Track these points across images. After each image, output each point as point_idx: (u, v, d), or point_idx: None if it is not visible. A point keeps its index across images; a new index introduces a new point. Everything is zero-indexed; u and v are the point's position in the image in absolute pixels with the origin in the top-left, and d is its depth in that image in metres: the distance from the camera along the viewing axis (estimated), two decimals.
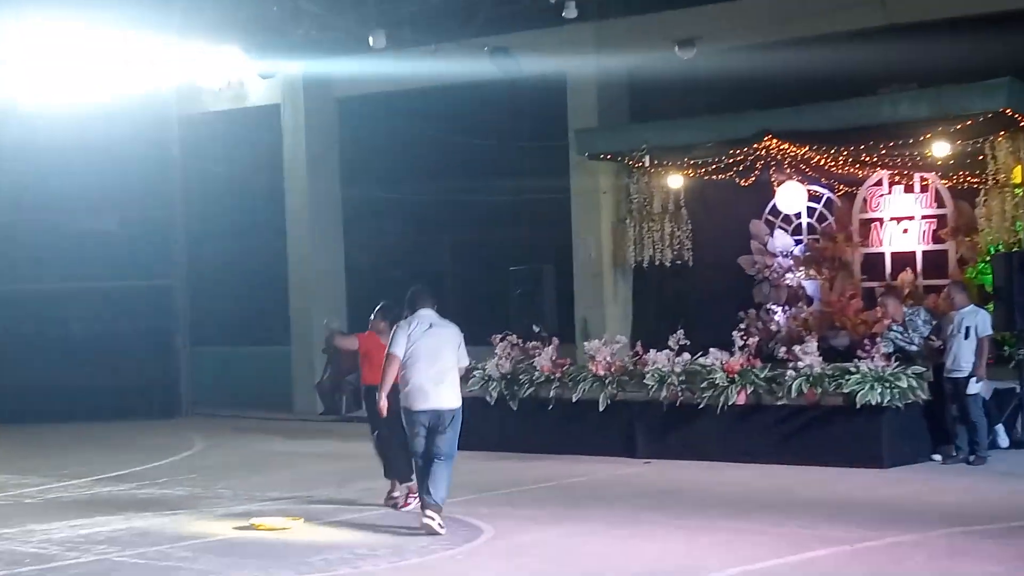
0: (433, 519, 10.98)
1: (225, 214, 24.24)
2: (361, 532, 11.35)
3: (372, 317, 12.80)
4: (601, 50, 20.17)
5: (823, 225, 19.77)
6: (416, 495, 11.83)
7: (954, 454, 14.41)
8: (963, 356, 14.25)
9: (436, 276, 22.84)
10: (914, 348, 14.89)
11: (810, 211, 19.86)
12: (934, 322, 15.06)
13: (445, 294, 22.36)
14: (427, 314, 11.58)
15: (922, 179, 18.81)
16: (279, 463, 16.30)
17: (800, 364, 14.64)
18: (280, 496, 13.33)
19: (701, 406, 15.08)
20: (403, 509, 12.19)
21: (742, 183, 19.00)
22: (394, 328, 11.68)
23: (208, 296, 24.43)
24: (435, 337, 11.45)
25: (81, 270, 22.71)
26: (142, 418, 21.95)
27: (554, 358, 16.40)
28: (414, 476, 11.75)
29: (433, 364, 11.36)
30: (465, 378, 15.74)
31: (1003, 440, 15.15)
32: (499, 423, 16.33)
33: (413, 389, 11.31)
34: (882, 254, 19.27)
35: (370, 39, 19.36)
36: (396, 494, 12.43)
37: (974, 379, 14.19)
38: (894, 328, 15.13)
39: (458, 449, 11.52)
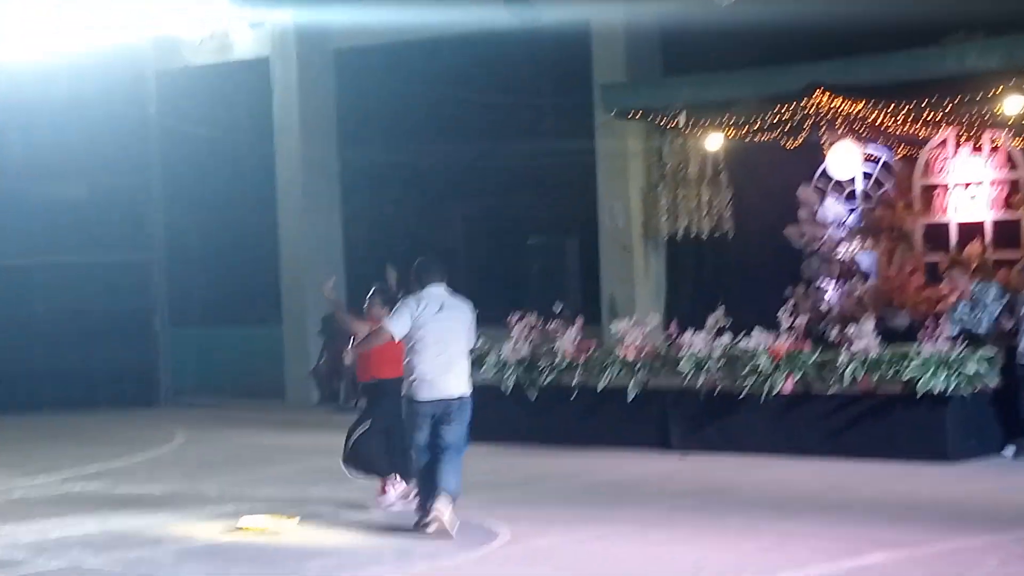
0: (443, 513, 10.95)
1: (208, 181, 24.24)
2: (363, 535, 11.39)
3: (367, 304, 12.61)
4: None
5: (880, 192, 19.73)
6: (394, 490, 12.26)
7: None
8: None
9: (446, 250, 22.87)
10: (983, 329, 14.86)
11: (865, 176, 19.81)
12: (1006, 300, 15.02)
13: (456, 270, 22.37)
14: (437, 292, 11.54)
15: (992, 139, 18.76)
16: (270, 458, 16.34)
17: (854, 347, 14.64)
18: (271, 495, 13.36)
19: (743, 395, 15.11)
20: (379, 500, 12.37)
21: (789, 145, 18.97)
22: (398, 304, 11.66)
23: (189, 272, 24.49)
24: (446, 320, 11.43)
25: (47, 243, 22.75)
26: (117, 407, 22.00)
27: (577, 341, 16.42)
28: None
29: (443, 351, 11.37)
30: (477, 362, 15.90)
31: None
32: (516, 413, 16.37)
33: (419, 379, 11.34)
34: (946, 224, 19.22)
35: None
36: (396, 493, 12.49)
37: None
38: (961, 306, 15.10)
39: (470, 442, 11.56)
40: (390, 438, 12.27)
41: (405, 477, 12.30)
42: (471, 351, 12.02)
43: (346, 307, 12.92)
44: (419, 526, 11.22)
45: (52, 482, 14.83)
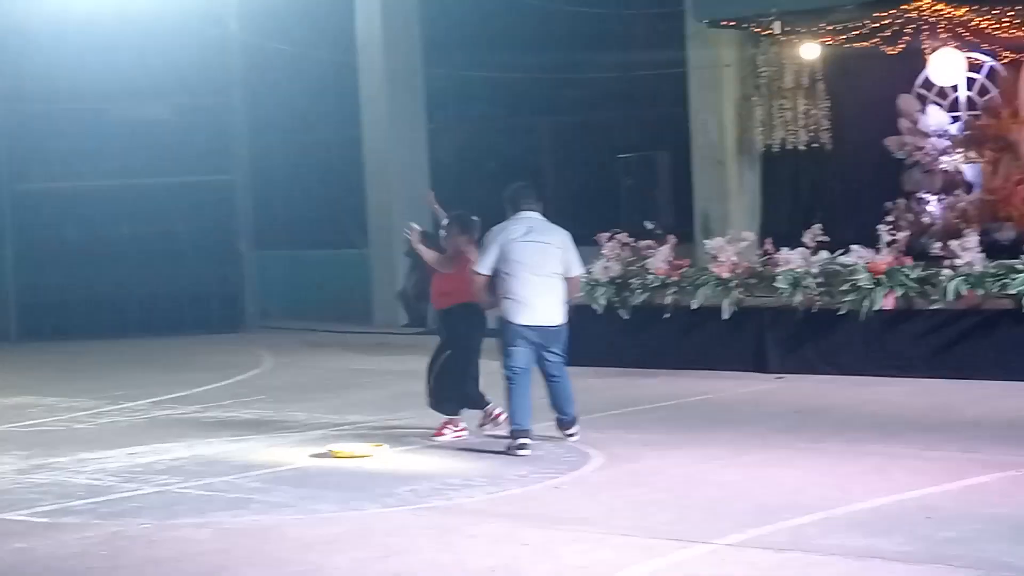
0: (575, 434, 11.86)
1: (291, 99, 24.34)
2: (452, 459, 11.46)
3: (444, 234, 12.39)
4: None
5: (985, 99, 19.51)
6: (452, 427, 12.14)
7: None
8: None
9: (534, 168, 22.86)
10: None
11: (969, 83, 19.60)
12: None
13: (544, 187, 22.40)
14: (528, 216, 11.68)
15: None
16: (358, 382, 16.46)
17: (958, 262, 14.54)
18: (360, 420, 13.47)
19: (842, 312, 15.05)
20: (436, 439, 12.16)
21: (889, 51, 18.78)
22: (486, 235, 11.75)
23: (274, 193, 24.64)
24: (537, 243, 11.56)
25: (127, 165, 22.92)
26: (202, 332, 22.21)
27: (671, 259, 16.40)
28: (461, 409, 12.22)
29: (537, 273, 11.50)
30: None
31: None
32: (608, 334, 16.39)
33: (516, 301, 11.48)
34: None
35: None
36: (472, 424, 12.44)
37: None
38: None
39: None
40: (468, 369, 12.26)
41: (479, 407, 12.35)
42: (582, 276, 12.16)
43: (437, 225, 12.82)
44: (511, 449, 11.41)
45: (139, 407, 15.00)
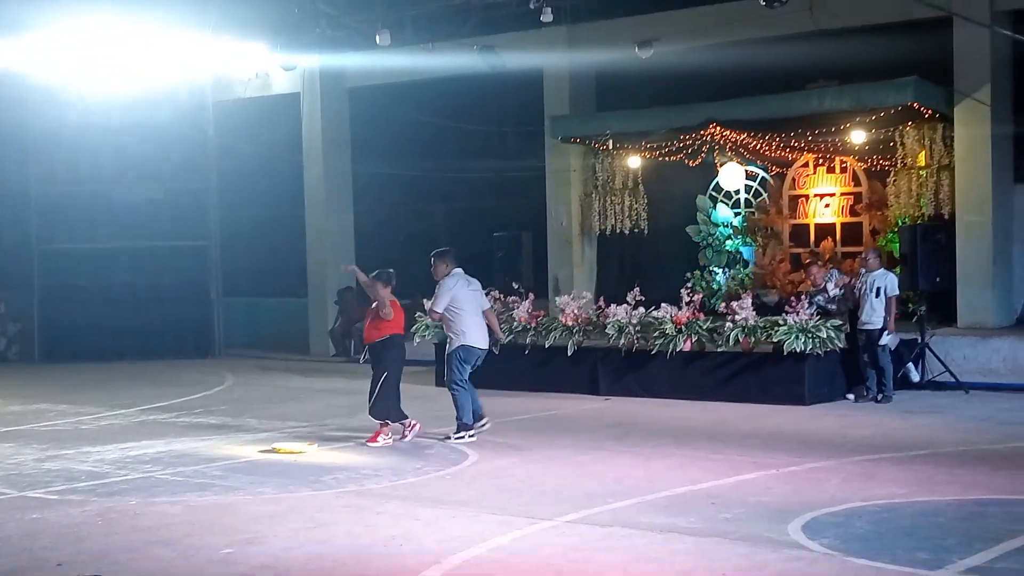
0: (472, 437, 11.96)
1: (253, 186, 24.10)
2: (365, 456, 11.37)
3: (378, 281, 12.10)
4: (573, 49, 20.07)
5: (758, 200, 19.80)
6: (385, 435, 11.94)
7: (865, 394, 14.47)
8: (875, 311, 14.28)
9: (432, 240, 22.81)
10: (832, 307, 14.89)
11: (747, 188, 19.89)
12: (843, 283, 15.02)
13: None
14: (459, 272, 12.20)
15: (842, 161, 18.83)
16: (297, 397, 16.30)
17: (737, 317, 14.67)
18: (298, 425, 13.34)
19: (654, 352, 15.10)
20: (370, 444, 11.81)
21: (690, 163, 19.03)
22: (439, 285, 12.04)
23: (238, 254, 24.33)
24: (473, 292, 12.14)
25: (130, 232, 22.58)
26: (181, 357, 21.90)
27: (530, 310, 16.40)
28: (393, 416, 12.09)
29: (476, 314, 12.07)
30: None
31: (915, 376, 15.19)
32: (484, 365, 16.26)
33: (473, 332, 11.99)
34: (807, 225, 19.31)
35: (377, 37, 19.28)
36: (397, 431, 12.18)
37: (886, 332, 14.22)
38: (818, 295, 14.98)
39: (448, 388, 12.20)
40: (396, 388, 12.07)
41: (397, 419, 12.11)
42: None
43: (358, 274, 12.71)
44: (473, 433, 11.98)
45: (131, 413, 14.76)
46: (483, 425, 12.18)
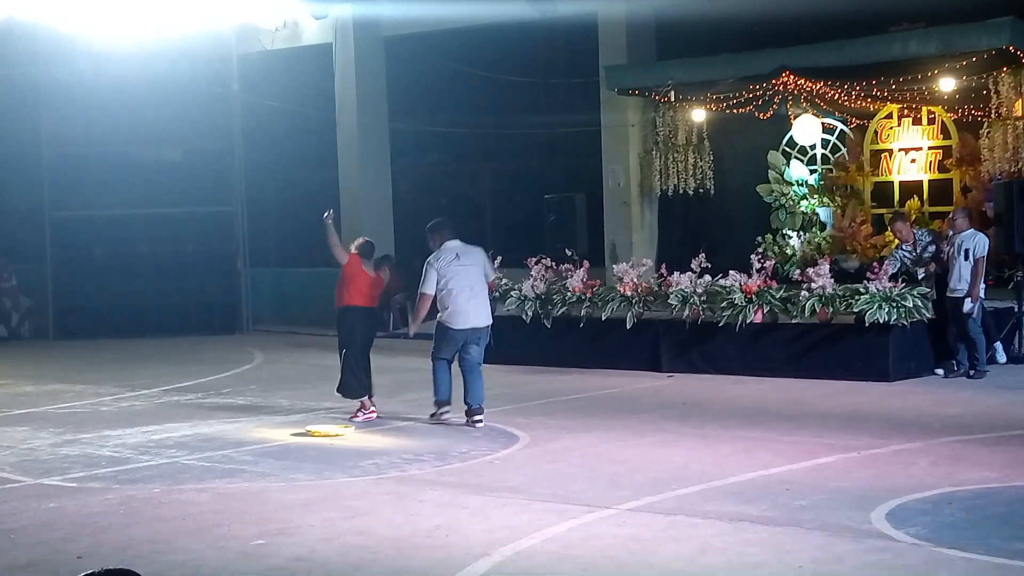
0: (481, 421, 11.82)
1: (281, 146, 24.24)
2: (407, 439, 11.45)
3: (375, 264, 12.67)
4: None
5: (836, 156, 19.66)
6: (367, 410, 12.34)
7: (955, 369, 14.38)
8: (963, 276, 14.17)
9: (475, 204, 22.88)
10: (920, 269, 14.81)
11: (824, 142, 19.74)
12: (934, 244, 14.96)
13: (484, 221, 22.45)
14: (452, 245, 12.10)
15: (929, 112, 18.64)
16: (331, 376, 16.29)
17: (813, 285, 14.61)
18: (333, 406, 13.40)
19: (721, 324, 15.08)
20: (354, 420, 12.23)
21: (761, 116, 18.90)
22: (425, 264, 12.06)
23: (265, 221, 24.50)
24: (464, 265, 11.98)
25: (148, 197, 22.75)
26: (205, 334, 22.08)
27: (585, 279, 16.41)
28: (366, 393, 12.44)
29: (466, 289, 11.92)
30: (502, 297, 16.01)
31: (1001, 356, 15.12)
32: (534, 340, 16.38)
33: (455, 311, 11.89)
34: (891, 183, 19.16)
35: None
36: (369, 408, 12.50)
37: (968, 299, 14.11)
38: (904, 247, 15.06)
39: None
40: (365, 361, 12.42)
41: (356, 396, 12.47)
42: (497, 281, 12.34)
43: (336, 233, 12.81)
44: (433, 416, 12.13)
45: (153, 394, 14.91)
46: (443, 412, 12.23)
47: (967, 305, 14.09)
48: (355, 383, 12.39)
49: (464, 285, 11.92)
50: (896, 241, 15.74)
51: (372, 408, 12.47)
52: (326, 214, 12.41)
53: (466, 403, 11.98)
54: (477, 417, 11.91)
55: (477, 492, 9.01)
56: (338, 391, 12.56)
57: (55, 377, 16.76)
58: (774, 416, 12.10)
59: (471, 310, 11.93)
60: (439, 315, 12.10)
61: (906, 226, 15.25)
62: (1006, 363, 15.06)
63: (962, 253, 14.16)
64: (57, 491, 9.45)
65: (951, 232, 14.51)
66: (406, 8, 20.81)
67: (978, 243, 14.20)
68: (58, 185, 22.89)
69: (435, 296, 11.99)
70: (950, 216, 15.29)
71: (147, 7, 19.64)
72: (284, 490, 9.27)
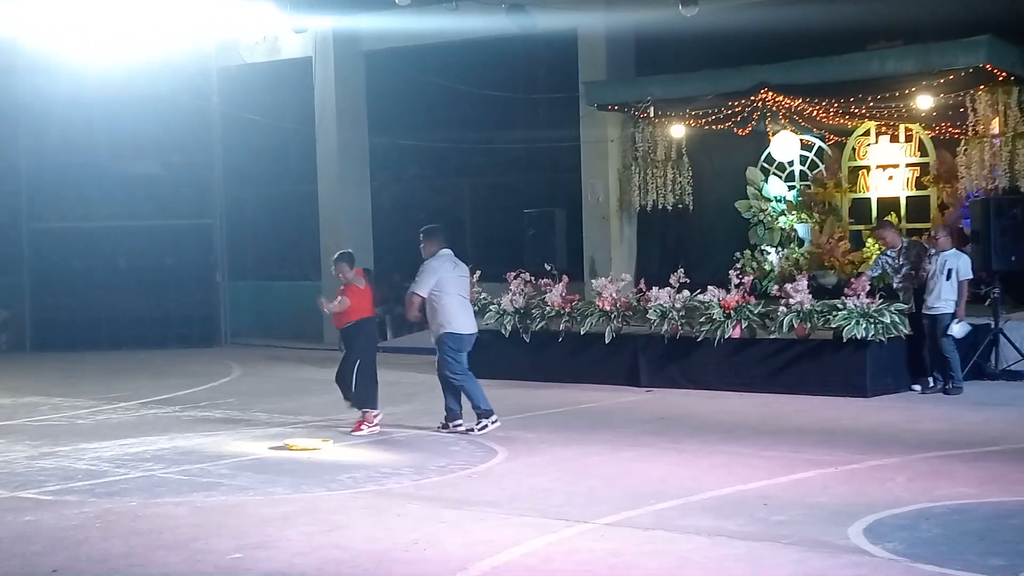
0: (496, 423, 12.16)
1: (261, 159, 24.21)
2: (385, 452, 11.41)
3: (333, 269, 12.75)
4: (610, 7, 20.01)
5: (814, 172, 19.70)
6: (370, 423, 12.26)
7: (932, 385, 14.41)
8: (943, 295, 14.20)
9: (455, 218, 22.86)
10: (897, 279, 14.83)
11: (802, 159, 19.78)
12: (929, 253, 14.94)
13: (464, 235, 22.43)
14: (447, 253, 12.27)
15: (907, 129, 18.70)
16: (310, 389, 16.36)
17: (791, 301, 14.62)
18: (311, 419, 13.39)
19: (699, 339, 15.08)
20: (356, 434, 12.19)
21: (739, 132, 18.92)
22: (422, 266, 12.15)
23: (245, 234, 24.46)
24: (459, 275, 12.23)
25: (127, 210, 22.75)
26: (184, 346, 22.05)
27: (564, 294, 16.41)
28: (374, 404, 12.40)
29: (458, 297, 12.16)
30: (481, 311, 16.02)
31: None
32: (513, 354, 16.36)
33: (461, 317, 12.16)
34: (869, 199, 19.20)
35: None
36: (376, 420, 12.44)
37: (955, 320, 14.14)
38: (889, 252, 15.04)
39: (476, 377, 12.40)
40: (372, 372, 12.41)
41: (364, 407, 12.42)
42: (476, 295, 12.62)
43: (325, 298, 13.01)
44: (482, 429, 12.11)
45: (130, 407, 14.85)
46: (458, 425, 12.25)
47: (955, 326, 14.10)
48: (367, 394, 12.36)
49: (456, 293, 12.14)
50: (880, 248, 15.79)
51: (375, 422, 12.36)
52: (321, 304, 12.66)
53: (447, 409, 12.28)
54: (461, 422, 12.22)
55: (455, 506, 8.97)
56: (349, 401, 12.44)
57: (32, 389, 16.68)
58: (752, 431, 12.09)
59: (466, 318, 12.22)
60: (439, 328, 12.09)
61: (892, 232, 15.29)
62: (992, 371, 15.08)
63: (944, 272, 14.21)
64: (33, 504, 9.38)
65: (933, 250, 14.55)
66: (386, 22, 20.81)
67: (963, 264, 14.27)
68: (37, 197, 22.87)
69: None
70: (931, 234, 15.33)
71: (127, 20, 19.63)
72: (262, 504, 9.22)
